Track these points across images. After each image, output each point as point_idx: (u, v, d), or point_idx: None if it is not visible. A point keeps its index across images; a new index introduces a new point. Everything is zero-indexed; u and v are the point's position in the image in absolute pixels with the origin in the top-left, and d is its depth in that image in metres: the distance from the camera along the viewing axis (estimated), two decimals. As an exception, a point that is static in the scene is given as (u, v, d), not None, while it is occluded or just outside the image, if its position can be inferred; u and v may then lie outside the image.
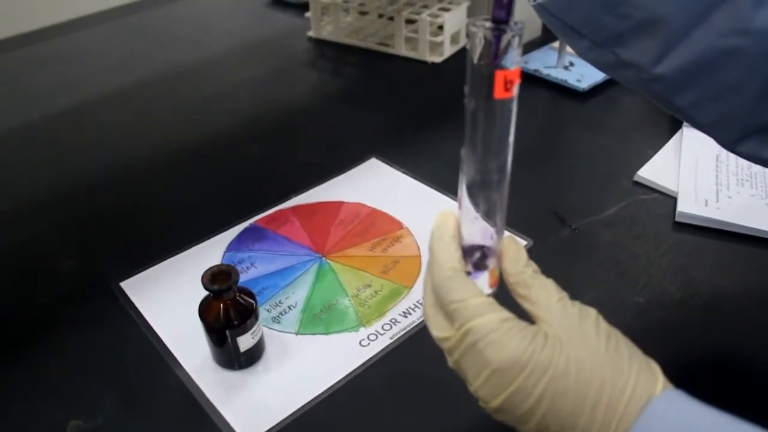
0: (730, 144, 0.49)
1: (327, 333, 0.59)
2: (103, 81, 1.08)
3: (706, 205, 0.72)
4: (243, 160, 0.87)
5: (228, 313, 0.53)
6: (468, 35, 0.34)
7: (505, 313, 0.36)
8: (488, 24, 0.34)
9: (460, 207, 0.39)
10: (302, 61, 1.15)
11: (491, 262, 0.40)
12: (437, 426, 0.52)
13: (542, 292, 0.38)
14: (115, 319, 0.63)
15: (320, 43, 1.19)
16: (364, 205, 0.75)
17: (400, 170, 0.80)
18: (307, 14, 1.20)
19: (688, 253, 0.68)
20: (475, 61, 0.34)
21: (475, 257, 0.40)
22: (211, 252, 0.69)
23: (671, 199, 0.75)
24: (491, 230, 0.39)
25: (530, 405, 0.34)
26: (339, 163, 0.83)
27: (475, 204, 0.38)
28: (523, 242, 0.68)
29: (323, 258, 0.68)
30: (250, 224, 0.73)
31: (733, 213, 0.71)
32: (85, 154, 0.90)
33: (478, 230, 0.39)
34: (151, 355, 0.59)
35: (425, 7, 1.11)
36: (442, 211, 0.40)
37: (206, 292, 0.53)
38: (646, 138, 0.86)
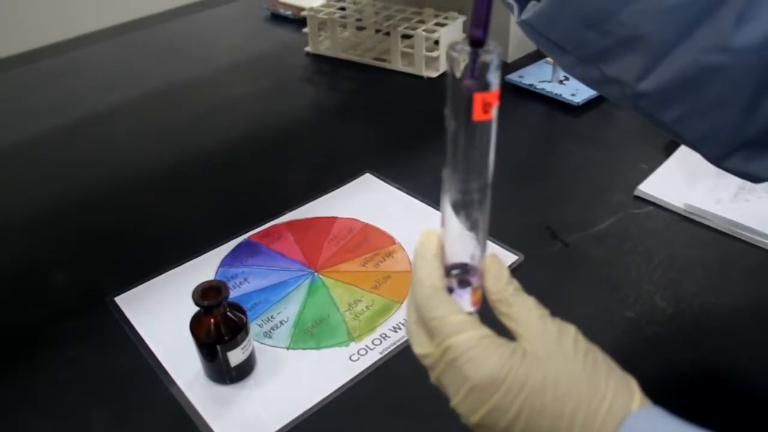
0: (717, 159, 0.49)
1: (318, 348, 0.60)
2: (100, 97, 1.09)
3: (718, 203, 0.73)
4: (238, 176, 0.88)
5: (218, 328, 0.54)
6: (447, 58, 0.34)
7: (484, 330, 0.36)
8: (467, 48, 0.34)
9: (442, 225, 0.40)
10: (299, 76, 1.16)
11: (474, 280, 0.40)
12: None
13: (522, 310, 0.38)
14: (109, 334, 0.63)
15: (318, 59, 1.20)
16: (357, 221, 0.75)
17: (393, 185, 0.81)
18: (305, 29, 1.21)
19: (680, 267, 0.68)
20: (454, 83, 0.35)
21: (459, 275, 0.40)
22: (205, 267, 0.70)
23: (664, 213, 0.76)
24: (474, 248, 0.40)
25: (508, 421, 0.34)
26: (333, 178, 0.84)
27: (458, 222, 0.39)
28: (514, 257, 0.69)
29: (315, 273, 0.68)
30: (244, 239, 0.74)
31: (747, 215, 0.72)
32: (83, 170, 0.91)
33: (461, 248, 0.40)
34: (143, 369, 0.59)
35: (421, 22, 1.12)
36: (426, 229, 0.41)
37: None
38: (640, 152, 0.87)
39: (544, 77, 1.03)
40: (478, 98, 0.34)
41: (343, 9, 1.21)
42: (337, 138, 0.96)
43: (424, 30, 1.07)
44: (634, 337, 0.61)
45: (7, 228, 0.81)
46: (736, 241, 0.71)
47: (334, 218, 0.76)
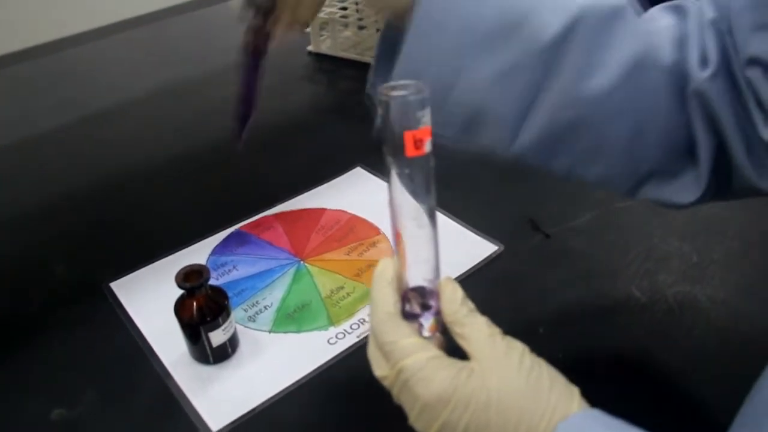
0: (629, 194, 0.52)
1: (298, 331, 0.62)
2: (99, 96, 1.13)
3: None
4: (233, 170, 0.91)
5: (201, 309, 0.57)
6: (378, 102, 0.36)
7: (433, 352, 0.38)
8: (394, 92, 0.36)
9: (397, 253, 0.41)
10: (300, 74, 1.19)
11: (433, 303, 0.42)
12: (396, 417, 0.55)
13: (474, 330, 0.40)
14: (103, 318, 0.66)
15: (319, 57, 1.23)
16: (345, 212, 0.78)
17: (382, 179, 0.83)
18: (307, 29, 1.24)
19: (657, 259, 0.70)
20: (382, 123, 0.37)
21: (419, 300, 0.42)
22: (197, 255, 0.73)
23: (644, 207, 0.77)
24: (429, 272, 0.41)
25: None
26: (325, 172, 0.86)
27: (412, 248, 0.40)
28: (494, 247, 0.71)
29: (301, 261, 0.71)
30: (235, 230, 0.76)
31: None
32: (82, 166, 0.94)
33: (416, 273, 0.41)
34: (133, 351, 0.62)
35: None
36: (383, 259, 0.43)
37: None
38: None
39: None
40: (409, 136, 0.36)
41: (344, 8, 1.23)
42: (332, 134, 0.98)
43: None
44: (607, 326, 0.63)
45: (10, 220, 0.84)
46: (712, 233, 0.73)
47: (323, 210, 0.79)
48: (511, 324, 0.63)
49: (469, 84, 0.46)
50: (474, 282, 0.67)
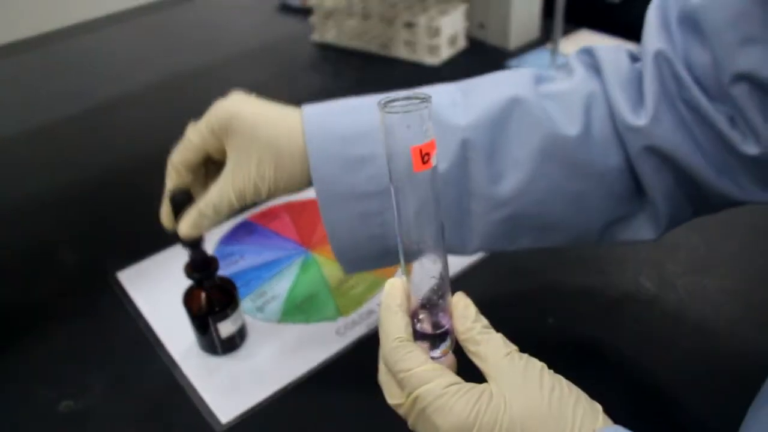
0: (598, 242, 0.53)
1: (307, 322, 0.62)
2: (108, 84, 1.13)
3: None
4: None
5: (209, 300, 0.56)
6: (381, 121, 0.35)
7: (450, 378, 0.37)
8: (394, 105, 0.34)
9: (404, 273, 0.40)
10: (305, 64, 1.19)
11: (445, 321, 0.40)
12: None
13: (490, 348, 0.38)
14: (110, 308, 0.66)
15: (324, 47, 1.23)
16: (351, 202, 0.77)
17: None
18: (311, 19, 1.23)
19: (664, 249, 0.70)
20: (387, 140, 0.35)
21: (430, 319, 0.40)
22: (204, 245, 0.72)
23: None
24: (439, 288, 0.40)
25: None
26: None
27: (419, 268, 0.39)
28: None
29: (308, 251, 0.71)
30: (243, 220, 0.76)
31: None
32: (91, 155, 0.94)
33: (426, 289, 0.40)
34: (141, 341, 0.62)
35: (424, 10, 1.13)
36: (391, 279, 0.41)
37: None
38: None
39: (543, 64, 1.04)
40: (416, 151, 0.35)
41: (349, -2, 1.23)
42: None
43: (425, 18, 1.09)
44: (615, 317, 0.63)
45: (18, 210, 0.84)
46: (720, 223, 0.72)
47: (330, 200, 0.78)
48: (521, 315, 0.63)
49: (400, 229, 0.41)
50: (483, 273, 0.67)
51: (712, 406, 0.54)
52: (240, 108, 0.50)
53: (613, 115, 0.46)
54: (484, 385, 0.37)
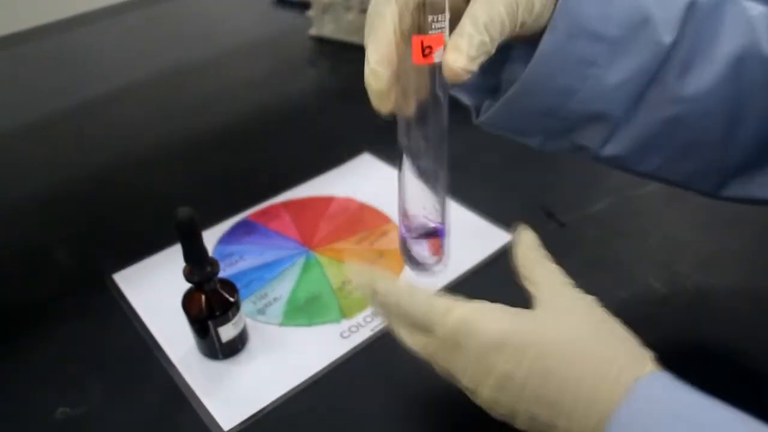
0: (712, 192, 0.49)
1: (309, 324, 0.61)
2: (103, 79, 1.10)
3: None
4: (239, 157, 0.88)
5: (209, 304, 0.55)
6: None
7: (477, 302, 0.36)
8: None
9: (402, 191, 0.40)
10: (303, 59, 1.17)
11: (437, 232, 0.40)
12: (413, 415, 0.53)
13: (544, 274, 0.38)
14: (107, 311, 0.64)
15: (322, 41, 1.20)
16: (353, 200, 0.76)
17: (390, 165, 0.81)
18: (309, 13, 1.21)
19: (674, 248, 0.68)
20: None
21: (422, 231, 0.40)
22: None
23: (661, 194, 0.75)
24: (436, 206, 0.40)
25: (517, 385, 0.34)
26: (332, 158, 0.84)
27: (417, 185, 0.39)
28: (508, 236, 0.69)
29: (310, 251, 0.69)
30: (242, 219, 0.74)
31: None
32: (86, 152, 0.92)
33: (422, 209, 0.40)
34: (139, 345, 0.60)
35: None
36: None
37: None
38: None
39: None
40: (416, 40, 0.34)
41: (347, -9, 1.21)
42: (337, 119, 0.96)
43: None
44: (625, 317, 0.61)
45: (12, 209, 0.82)
46: (729, 222, 0.71)
47: (331, 198, 0.76)
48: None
49: (593, 91, 0.42)
50: (488, 271, 0.66)
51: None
52: None
53: None
54: (532, 307, 0.36)
